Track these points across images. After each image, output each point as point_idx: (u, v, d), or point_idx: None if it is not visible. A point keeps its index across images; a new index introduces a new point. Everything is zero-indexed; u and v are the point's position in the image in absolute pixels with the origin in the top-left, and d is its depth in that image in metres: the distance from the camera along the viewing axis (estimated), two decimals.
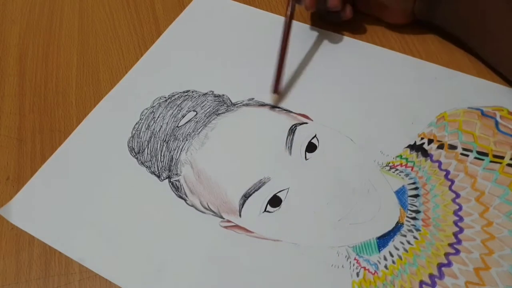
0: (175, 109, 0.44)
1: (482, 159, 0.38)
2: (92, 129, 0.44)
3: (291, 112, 0.43)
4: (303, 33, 0.48)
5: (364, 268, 0.35)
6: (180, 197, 0.40)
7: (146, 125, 0.43)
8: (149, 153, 0.42)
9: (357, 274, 0.35)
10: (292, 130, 0.41)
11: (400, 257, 0.35)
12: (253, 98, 0.44)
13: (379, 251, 0.36)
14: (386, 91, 0.43)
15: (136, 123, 0.44)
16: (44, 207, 0.40)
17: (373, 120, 0.42)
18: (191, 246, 0.37)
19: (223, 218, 0.38)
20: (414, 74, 0.44)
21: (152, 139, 0.42)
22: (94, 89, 0.47)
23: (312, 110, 0.43)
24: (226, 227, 0.38)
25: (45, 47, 0.51)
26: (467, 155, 0.38)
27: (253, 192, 0.38)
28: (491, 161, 0.38)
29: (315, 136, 0.41)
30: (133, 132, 0.43)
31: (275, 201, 0.38)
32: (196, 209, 0.39)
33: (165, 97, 0.45)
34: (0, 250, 0.39)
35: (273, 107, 0.44)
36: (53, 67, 0.50)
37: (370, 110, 0.42)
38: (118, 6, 0.54)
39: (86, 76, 0.48)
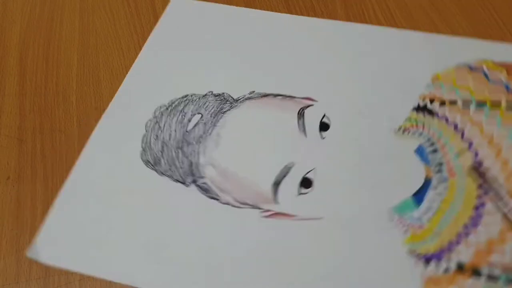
0: (179, 115, 0.43)
1: (482, 109, 0.41)
2: (99, 151, 0.43)
3: (295, 97, 0.44)
4: (296, 23, 0.49)
5: (409, 225, 0.36)
6: (212, 197, 0.39)
7: (155, 136, 0.43)
8: (166, 162, 0.41)
9: (405, 232, 0.36)
10: (301, 114, 0.42)
11: (439, 208, 0.37)
12: (253, 91, 0.44)
13: (418, 206, 0.37)
14: (380, 65, 0.45)
15: (144, 136, 0.43)
16: (71, 239, 0.38)
17: (375, 93, 0.43)
18: (237, 243, 0.37)
19: (262, 209, 0.38)
20: (401, 44, 0.46)
21: (164, 148, 0.42)
22: (95, 89, 0.47)
23: (315, 92, 0.44)
24: (268, 216, 0.38)
25: (45, 47, 0.51)
26: (468, 107, 0.41)
27: (282, 179, 0.39)
28: (490, 109, 0.41)
29: (324, 115, 0.42)
30: (143, 146, 0.42)
31: (306, 183, 0.39)
32: (232, 206, 0.39)
33: (166, 105, 0.44)
34: (0, 250, 0.39)
35: (276, 95, 0.44)
36: (54, 67, 0.49)
37: (370, 85, 0.44)
38: (119, 6, 0.54)
39: (86, 76, 0.48)
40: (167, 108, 0.44)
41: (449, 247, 0.35)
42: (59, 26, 0.53)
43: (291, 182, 0.39)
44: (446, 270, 0.35)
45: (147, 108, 0.45)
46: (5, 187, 0.42)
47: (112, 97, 0.46)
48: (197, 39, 0.49)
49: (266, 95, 0.44)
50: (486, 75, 0.43)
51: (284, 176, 0.39)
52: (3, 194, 0.42)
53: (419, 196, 0.38)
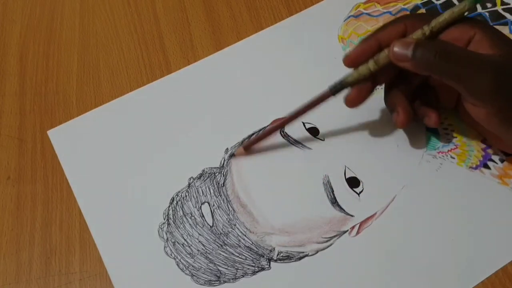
0: (188, 220, 0.38)
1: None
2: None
3: (265, 127, 0.42)
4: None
5: (449, 151, 0.39)
6: (299, 258, 0.36)
7: (188, 256, 0.37)
8: (226, 268, 0.36)
9: (452, 157, 0.39)
10: (285, 135, 0.41)
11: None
12: (226, 148, 0.42)
13: (439, 135, 0.40)
14: (294, 62, 0.46)
15: (178, 264, 0.37)
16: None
17: (314, 86, 0.42)
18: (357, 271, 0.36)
19: (346, 230, 0.37)
20: (293, 33, 0.48)
21: (210, 258, 0.37)
22: (95, 88, 0.47)
23: (275, 111, 0.42)
24: (356, 232, 0.37)
25: (45, 47, 0.51)
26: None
27: (334, 194, 0.38)
28: None
29: (303, 123, 0.41)
30: (189, 273, 0.37)
31: (353, 182, 0.38)
32: (322, 250, 0.36)
33: (164, 222, 0.39)
34: (0, 249, 0.39)
35: (249, 136, 0.42)
36: (54, 67, 0.49)
37: (303, 86, 0.43)
38: (119, 6, 0.54)
39: (86, 76, 0.48)
40: (169, 224, 0.38)
41: (485, 147, 0.39)
42: (59, 26, 0.53)
43: (343, 191, 0.38)
44: (502, 160, 0.38)
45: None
46: (5, 187, 0.42)
47: (112, 98, 0.46)
48: (111, 146, 0.43)
49: (241, 143, 0.41)
50: (369, 14, 0.47)
51: (332, 191, 0.38)
52: (3, 194, 0.42)
53: (434, 132, 0.40)
